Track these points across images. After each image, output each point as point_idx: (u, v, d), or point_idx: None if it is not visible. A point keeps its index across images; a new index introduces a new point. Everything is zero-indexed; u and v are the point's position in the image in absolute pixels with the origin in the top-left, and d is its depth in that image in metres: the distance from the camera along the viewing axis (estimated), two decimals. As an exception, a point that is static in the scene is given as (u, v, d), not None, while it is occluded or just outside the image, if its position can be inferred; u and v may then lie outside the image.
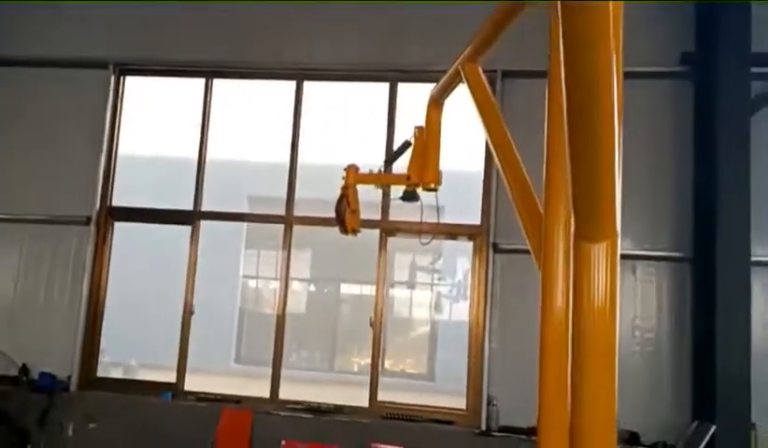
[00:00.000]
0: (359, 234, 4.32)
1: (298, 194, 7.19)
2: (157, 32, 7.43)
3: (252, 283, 16.13)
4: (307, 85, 7.31)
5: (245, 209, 10.33)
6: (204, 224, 7.27)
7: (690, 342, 6.11)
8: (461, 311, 12.19)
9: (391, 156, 4.17)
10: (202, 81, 7.46)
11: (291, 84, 7.31)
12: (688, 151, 6.32)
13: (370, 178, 4.27)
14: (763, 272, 6.00)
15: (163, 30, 7.42)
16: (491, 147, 2.90)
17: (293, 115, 7.30)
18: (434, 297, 14.99)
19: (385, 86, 7.13)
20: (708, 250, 5.84)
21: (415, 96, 6.65)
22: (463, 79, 3.24)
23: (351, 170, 4.22)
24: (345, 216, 4.16)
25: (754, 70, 5.90)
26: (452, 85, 3.61)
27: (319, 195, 7.16)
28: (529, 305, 6.44)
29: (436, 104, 3.89)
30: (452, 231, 6.88)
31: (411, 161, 4.00)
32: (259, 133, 11.06)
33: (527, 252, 6.16)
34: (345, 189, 4.20)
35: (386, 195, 6.69)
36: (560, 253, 2.19)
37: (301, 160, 7.28)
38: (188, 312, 7.15)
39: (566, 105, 1.33)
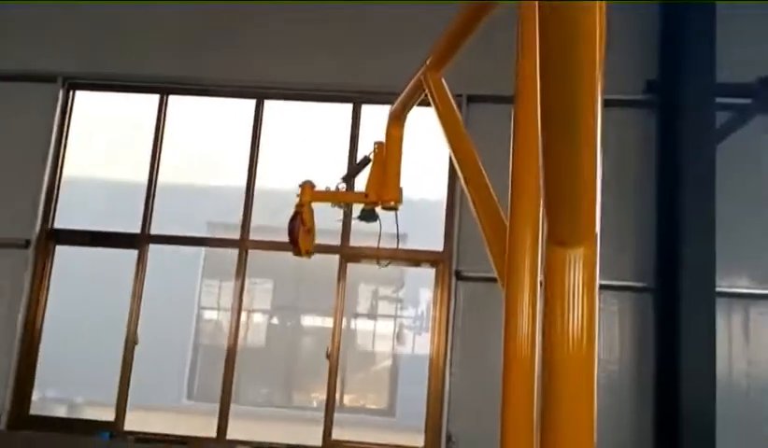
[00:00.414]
0: (318, 259, 4.06)
1: (258, 221, 6.89)
2: (110, 44, 7.12)
3: (211, 314, 15.60)
4: (268, 104, 7.06)
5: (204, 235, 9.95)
6: (157, 251, 6.90)
7: (653, 373, 5.92)
8: (423, 343, 11.89)
9: (350, 172, 3.92)
10: (156, 98, 7.16)
11: (251, 103, 7.06)
12: (651, 180, 6.22)
13: (326, 196, 4.01)
14: (728, 303, 5.88)
15: (116, 42, 7.11)
16: (454, 161, 2.68)
17: (252, 135, 7.03)
18: (397, 328, 14.66)
19: (348, 107, 6.93)
20: (672, 280, 5.71)
21: (380, 118, 6.47)
22: (426, 90, 3.02)
23: (307, 187, 3.95)
24: (298, 236, 3.88)
25: (719, 100, 5.85)
26: (413, 99, 3.39)
27: (280, 223, 6.92)
28: (493, 337, 6.17)
29: (397, 119, 3.66)
30: (414, 258, 6.63)
31: (370, 179, 3.75)
32: (219, 155, 10.73)
33: (492, 280, 5.94)
34: (299, 206, 3.93)
35: (346, 216, 6.44)
36: (525, 270, 1.94)
37: (261, 184, 7.01)
38: (130, 343, 6.71)
39: (541, 94, 1.11)
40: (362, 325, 14.81)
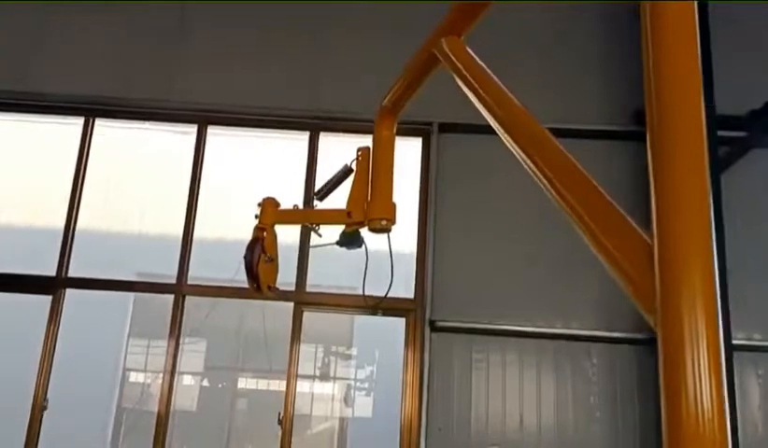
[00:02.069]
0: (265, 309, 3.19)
1: (195, 272, 5.91)
2: (21, 59, 6.12)
3: (138, 377, 14.16)
4: (212, 131, 6.19)
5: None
6: (76, 302, 5.81)
7: (656, 432, 5.18)
8: (385, 403, 10.95)
9: (326, 186, 3.09)
10: (80, 121, 6.19)
11: (192, 129, 6.17)
12: (643, 217, 5.63)
13: (295, 216, 3.17)
14: (745, 357, 5.24)
15: (30, 56, 6.13)
16: (510, 142, 1.90)
17: (193, 166, 6.12)
18: (344, 389, 13.58)
19: (305, 136, 6.13)
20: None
21: (339, 150, 5.73)
22: (442, 60, 2.27)
23: (269, 204, 3.10)
24: (258, 267, 3.00)
25: (721, 133, 5.36)
26: (414, 84, 2.64)
27: (217, 274, 6.03)
28: (477, 397, 5.45)
29: (389, 115, 2.89)
30: (379, 306, 5.76)
31: (352, 193, 2.94)
32: (152, 193, 9.64)
33: (471, 332, 5.07)
34: (259, 230, 3.06)
35: (303, 252, 5.59)
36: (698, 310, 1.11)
37: (201, 232, 6.07)
38: (38, 406, 5.54)
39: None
40: (302, 385, 13.67)
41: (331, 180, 3.09)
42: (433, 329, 5.43)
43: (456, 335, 5.41)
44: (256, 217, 3.12)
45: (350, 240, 2.97)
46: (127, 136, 6.53)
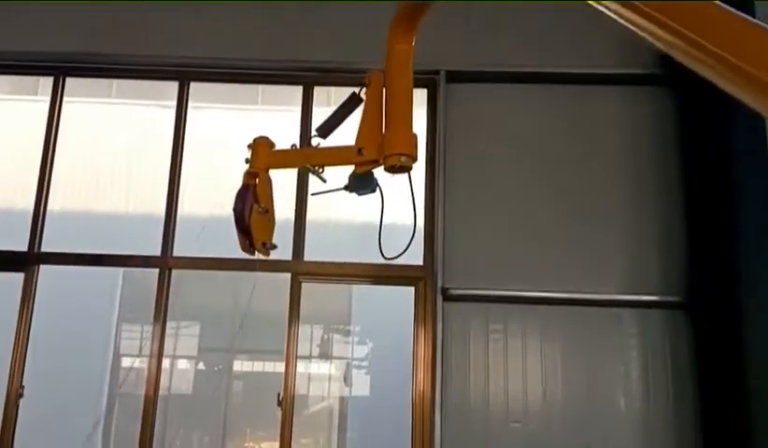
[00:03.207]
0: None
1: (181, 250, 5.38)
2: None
3: (130, 362, 13.74)
4: (194, 88, 5.62)
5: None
6: (57, 283, 5.31)
7: (695, 409, 4.72)
8: (383, 382, 10.53)
9: (330, 121, 2.56)
10: (49, 81, 5.61)
11: (173, 86, 5.59)
12: (674, 170, 5.12)
13: (293, 158, 2.65)
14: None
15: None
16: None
17: (175, 130, 5.55)
18: (343, 368, 13.13)
19: (297, 90, 5.57)
20: (720, 293, 4.57)
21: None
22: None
23: (262, 145, 2.57)
24: (250, 220, 2.47)
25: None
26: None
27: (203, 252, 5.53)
28: (496, 370, 4.95)
29: (407, 25, 2.36)
30: (386, 274, 5.26)
31: (362, 127, 2.41)
32: (135, 171, 9.05)
33: (487, 299, 4.46)
34: (251, 176, 2.53)
35: (300, 217, 5.08)
36: None
37: (186, 208, 5.55)
38: (14, 393, 5.04)
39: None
40: (302, 366, 13.24)
41: (335, 113, 2.56)
42: (446, 297, 4.93)
43: (471, 304, 4.93)
44: (247, 160, 2.59)
45: (362, 183, 2.44)
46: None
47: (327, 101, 5.71)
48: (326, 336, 12.45)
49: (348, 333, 12.89)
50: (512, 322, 4.93)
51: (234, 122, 7.96)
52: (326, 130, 2.56)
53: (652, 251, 4.98)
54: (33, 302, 5.21)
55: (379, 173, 2.43)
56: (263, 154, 2.55)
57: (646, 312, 4.90)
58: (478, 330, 4.89)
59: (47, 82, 5.69)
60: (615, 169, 5.13)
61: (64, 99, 5.61)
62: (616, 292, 4.96)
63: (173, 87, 5.62)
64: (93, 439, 10.74)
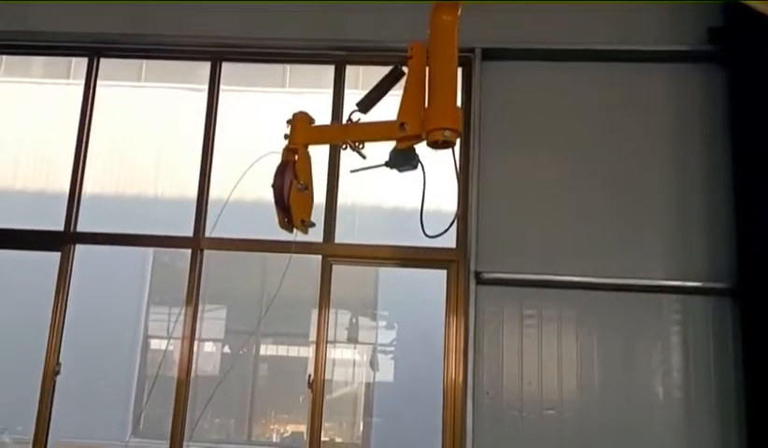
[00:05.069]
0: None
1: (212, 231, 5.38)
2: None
3: (159, 344, 13.95)
4: (226, 68, 5.59)
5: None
6: (90, 265, 5.35)
7: (740, 403, 4.57)
8: (408, 367, 10.51)
9: (370, 96, 2.49)
10: (82, 63, 5.64)
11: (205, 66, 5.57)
12: (722, 151, 4.92)
13: (332, 133, 2.61)
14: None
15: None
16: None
17: (207, 110, 5.54)
18: (370, 353, 13.12)
19: (325, 71, 5.51)
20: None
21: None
22: None
23: (300, 121, 2.52)
24: (289, 196, 2.43)
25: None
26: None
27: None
28: (530, 357, 4.87)
29: (451, -3, 2.28)
30: (419, 257, 5.18)
31: (404, 101, 2.35)
32: (166, 153, 9.10)
33: (522, 283, 4.34)
34: (290, 152, 2.49)
35: (330, 199, 5.03)
36: None
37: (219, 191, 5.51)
38: (50, 370, 5.11)
39: None
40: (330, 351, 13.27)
41: (376, 87, 2.50)
42: (479, 281, 4.85)
43: (505, 288, 4.84)
44: (285, 136, 2.54)
45: (404, 159, 2.38)
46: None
47: (356, 84, 5.65)
48: (354, 320, 12.45)
49: (374, 317, 12.87)
50: (547, 307, 4.83)
51: (263, 104, 7.95)
52: (367, 104, 2.50)
53: (698, 235, 4.83)
54: (69, 281, 5.26)
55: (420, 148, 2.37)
56: (301, 130, 2.51)
57: (689, 298, 4.75)
58: (512, 315, 4.81)
59: (79, 65, 5.72)
60: (659, 149, 4.96)
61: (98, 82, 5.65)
62: (658, 277, 4.82)
63: (200, 69, 5.63)
64: (125, 420, 10.93)
